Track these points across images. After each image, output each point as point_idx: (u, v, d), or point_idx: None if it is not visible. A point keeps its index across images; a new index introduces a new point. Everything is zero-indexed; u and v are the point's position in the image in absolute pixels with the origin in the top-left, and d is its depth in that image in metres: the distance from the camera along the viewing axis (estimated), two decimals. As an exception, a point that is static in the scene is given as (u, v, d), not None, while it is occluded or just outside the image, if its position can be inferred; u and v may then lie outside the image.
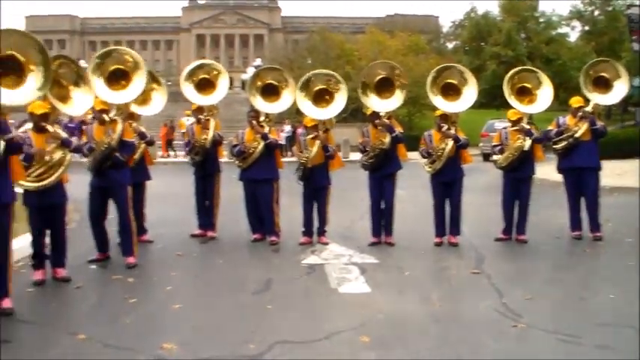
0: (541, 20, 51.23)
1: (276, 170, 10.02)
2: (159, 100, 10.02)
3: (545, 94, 9.66)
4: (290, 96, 9.79)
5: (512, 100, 9.62)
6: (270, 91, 9.88)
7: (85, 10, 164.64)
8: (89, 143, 8.35)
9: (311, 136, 9.65)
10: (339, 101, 9.53)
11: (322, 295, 7.38)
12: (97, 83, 8.32)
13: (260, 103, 9.88)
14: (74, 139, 7.96)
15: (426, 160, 9.78)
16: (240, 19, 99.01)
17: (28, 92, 6.46)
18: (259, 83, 9.96)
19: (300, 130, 28.75)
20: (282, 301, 7.07)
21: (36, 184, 7.46)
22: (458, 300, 7.12)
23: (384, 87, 9.53)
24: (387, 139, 9.47)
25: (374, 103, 9.54)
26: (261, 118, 9.93)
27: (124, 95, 8.47)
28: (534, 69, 10.39)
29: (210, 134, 9.99)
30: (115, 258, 8.86)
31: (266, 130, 9.77)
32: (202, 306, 6.95)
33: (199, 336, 5.99)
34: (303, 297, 7.31)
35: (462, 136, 9.57)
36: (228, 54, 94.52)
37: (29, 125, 7.70)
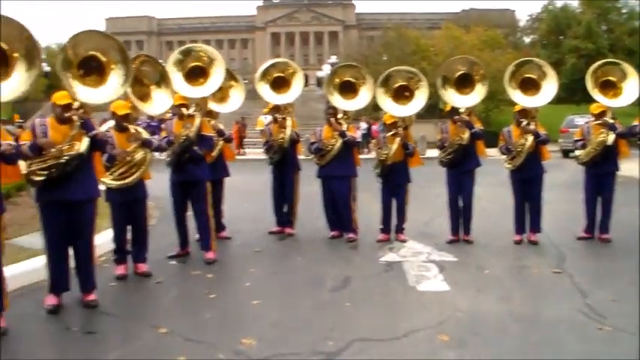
0: (624, 11, 49.74)
1: (354, 167, 9.96)
2: (237, 97, 10.09)
3: (631, 87, 9.31)
4: (368, 93, 9.73)
5: (595, 93, 9.32)
6: (348, 89, 9.84)
7: (162, 11, 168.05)
8: (168, 137, 8.46)
9: (391, 133, 9.56)
10: (420, 98, 9.40)
11: (400, 292, 7.31)
12: (176, 78, 8.45)
13: (338, 101, 9.85)
14: (155, 139, 8.07)
15: (505, 156, 9.59)
16: (314, 17, 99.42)
17: (110, 90, 6.68)
18: (337, 80, 9.93)
19: (375, 127, 28.88)
20: (360, 298, 7.05)
21: (118, 183, 7.62)
22: (539, 299, 6.95)
23: (464, 83, 9.37)
24: (466, 135, 9.33)
25: (453, 98, 9.40)
26: (339, 116, 9.89)
27: (202, 90, 8.59)
28: (618, 61, 10.06)
29: (288, 133, 9.98)
30: (194, 254, 8.99)
31: (344, 127, 9.74)
32: (281, 302, 6.98)
33: (278, 332, 6.02)
34: (381, 295, 7.26)
35: (542, 131, 9.36)
36: (303, 52, 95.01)
37: (111, 123, 7.87)
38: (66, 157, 6.39)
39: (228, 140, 10.08)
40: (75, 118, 6.45)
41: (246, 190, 14.22)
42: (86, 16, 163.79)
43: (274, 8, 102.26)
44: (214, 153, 9.53)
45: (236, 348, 5.57)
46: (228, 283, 7.88)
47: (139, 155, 7.70)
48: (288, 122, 10.08)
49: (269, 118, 10.61)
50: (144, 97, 8.14)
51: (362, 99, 9.83)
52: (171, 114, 9.02)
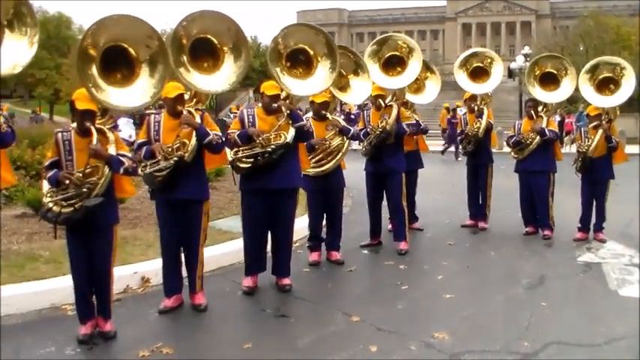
0: None
1: (554, 162, 9.57)
2: (432, 88, 10.00)
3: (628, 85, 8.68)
4: (570, 84, 9.30)
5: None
6: (549, 80, 9.46)
7: (353, 3, 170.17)
8: (365, 128, 8.51)
9: (593, 124, 9.09)
10: (626, 89, 8.88)
11: (600, 296, 6.96)
12: (373, 69, 8.47)
13: (539, 93, 9.50)
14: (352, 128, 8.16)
15: None
16: (506, 6, 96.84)
17: (317, 83, 6.83)
18: (538, 72, 9.58)
19: (568, 120, 27.74)
20: (556, 298, 6.78)
21: (315, 170, 7.79)
22: None
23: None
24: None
25: None
26: (539, 108, 9.54)
27: (399, 81, 8.55)
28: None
29: (484, 123, 9.78)
30: (386, 244, 9.02)
31: (544, 120, 9.38)
32: (474, 297, 6.85)
33: (470, 327, 5.92)
34: (579, 296, 6.96)
35: None
36: (495, 42, 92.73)
37: (309, 114, 8.04)
38: (272, 146, 6.57)
39: (424, 132, 10.00)
40: (283, 108, 6.62)
41: (438, 182, 14.07)
42: (278, 9, 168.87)
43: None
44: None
45: (428, 341, 5.53)
46: (420, 274, 7.84)
47: (336, 142, 7.84)
48: (485, 112, 9.87)
49: (463, 109, 10.42)
50: (343, 87, 8.27)
51: (564, 91, 9.41)
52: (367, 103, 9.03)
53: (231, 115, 32.52)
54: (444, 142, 25.77)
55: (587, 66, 9.16)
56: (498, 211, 10.39)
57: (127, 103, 5.58)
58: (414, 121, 9.21)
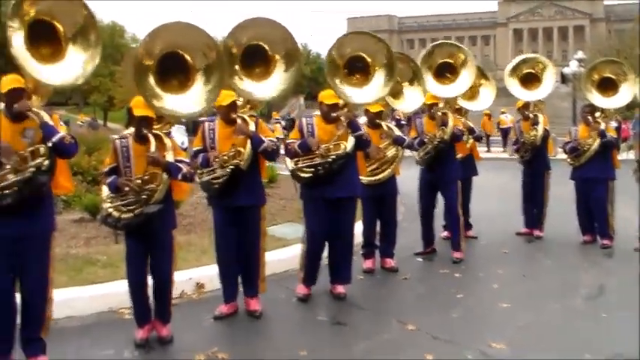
0: None
1: (612, 169, 9.38)
2: (487, 95, 9.87)
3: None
4: (630, 90, 9.10)
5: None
6: (607, 85, 9.29)
7: (403, 10, 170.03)
8: (420, 137, 8.46)
9: (652, 130, 8.90)
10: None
11: (663, 307, 6.78)
12: (426, 77, 8.43)
13: (597, 98, 9.32)
14: (405, 137, 8.13)
15: None
16: (558, 11, 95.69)
17: (374, 92, 6.81)
18: (595, 77, 9.41)
19: (625, 126, 27.17)
20: (618, 310, 6.61)
21: (370, 179, 7.79)
22: None
23: None
24: None
25: None
26: (597, 114, 9.37)
27: (452, 89, 8.51)
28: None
29: (540, 130, 9.63)
30: (440, 252, 8.95)
31: (602, 126, 9.19)
32: (530, 307, 6.74)
33: (528, 338, 5.84)
34: (641, 308, 6.77)
35: None
36: (547, 47, 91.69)
37: (363, 119, 8.02)
38: (332, 157, 6.58)
39: (478, 139, 9.90)
40: (342, 118, 6.62)
41: (493, 189, 13.92)
42: (329, 17, 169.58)
43: (516, 3, 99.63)
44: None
45: (485, 350, 5.47)
46: (475, 283, 7.78)
47: (391, 152, 7.84)
48: (540, 119, 9.73)
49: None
50: (396, 94, 8.24)
51: (623, 96, 9.23)
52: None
53: (274, 121, 32.58)
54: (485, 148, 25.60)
55: None
56: (554, 219, 10.20)
57: (183, 109, 5.62)
58: (469, 128, 9.15)
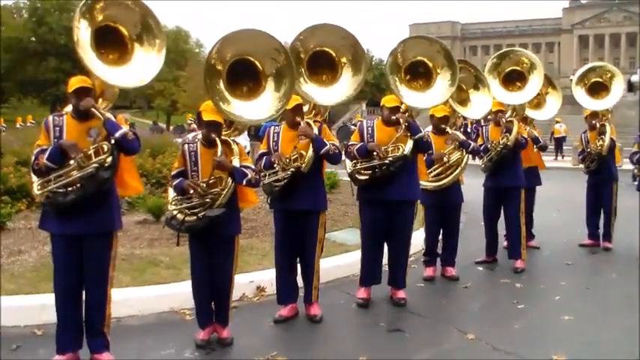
0: None
1: (682, 181, 9.16)
2: (553, 104, 9.70)
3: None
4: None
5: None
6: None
7: (466, 16, 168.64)
8: (485, 144, 8.42)
9: None
10: None
11: None
12: (493, 84, 8.40)
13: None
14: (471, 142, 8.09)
15: None
16: (626, 17, 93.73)
17: (437, 95, 6.84)
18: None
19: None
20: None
21: (433, 184, 7.77)
22: None
23: None
24: None
25: None
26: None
27: (520, 96, 8.46)
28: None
29: (607, 141, 9.46)
30: (501, 261, 8.86)
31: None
32: (593, 320, 6.62)
33: (592, 352, 5.72)
34: None
35: None
36: (614, 54, 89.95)
37: (429, 128, 8.01)
38: (390, 159, 6.56)
39: (543, 149, 9.78)
40: (402, 120, 6.62)
41: (557, 199, 13.72)
42: (392, 23, 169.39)
43: (581, 9, 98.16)
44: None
45: (547, 363, 5.37)
46: (537, 294, 7.65)
47: (456, 156, 7.80)
48: (607, 129, 9.55)
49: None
50: (463, 102, 8.22)
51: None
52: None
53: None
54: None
55: None
56: (619, 230, 9.99)
57: (253, 115, 5.69)
58: (534, 137, 9.06)
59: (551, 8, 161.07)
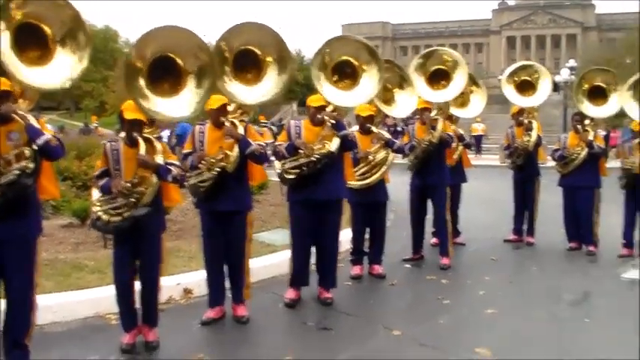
0: None
1: (599, 178, 9.46)
2: (477, 103, 9.90)
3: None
4: (620, 99, 9.11)
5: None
6: (598, 94, 9.33)
7: (397, 17, 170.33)
8: (410, 142, 8.50)
9: (637, 140, 8.96)
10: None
11: (645, 314, 6.85)
12: (419, 83, 8.46)
13: (587, 107, 9.37)
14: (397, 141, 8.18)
15: None
16: (551, 19, 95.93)
17: (360, 95, 6.86)
18: (586, 86, 9.47)
19: (613, 135, 27.28)
20: (600, 316, 6.74)
21: (359, 183, 7.81)
22: None
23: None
24: None
25: None
26: (586, 122, 9.41)
27: (445, 94, 8.53)
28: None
29: (534, 136, 9.70)
30: (428, 258, 8.99)
31: (591, 135, 9.25)
32: (516, 313, 6.78)
33: (513, 344, 5.88)
34: (624, 314, 6.78)
35: None
36: (539, 55, 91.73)
37: (355, 127, 8.06)
38: (316, 156, 6.61)
39: (467, 146, 9.95)
40: (327, 118, 6.65)
41: (481, 197, 13.99)
42: (323, 22, 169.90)
43: (510, 11, 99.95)
44: (455, 156, 9.54)
45: (470, 356, 5.51)
46: (462, 289, 7.80)
47: (381, 155, 7.86)
48: (534, 125, 9.78)
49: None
50: (388, 101, 8.30)
51: (612, 105, 9.25)
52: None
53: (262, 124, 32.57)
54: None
55: (628, 84, 8.99)
56: (542, 225, 10.27)
57: (173, 112, 5.61)
58: (459, 135, 9.22)
59: (481, 10, 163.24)
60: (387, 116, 9.54)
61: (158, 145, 5.59)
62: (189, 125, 6.65)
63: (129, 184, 5.37)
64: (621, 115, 9.12)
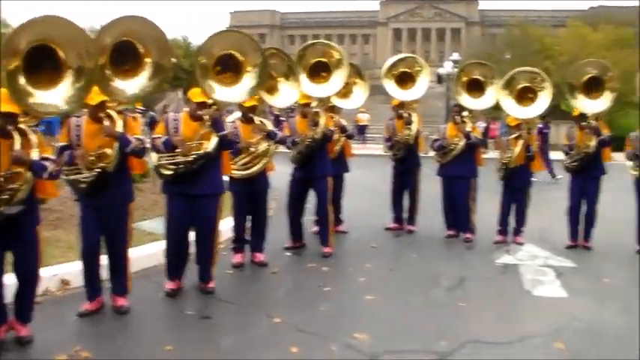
0: None
1: (475, 168, 9.78)
2: (360, 94, 10.03)
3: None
4: (495, 92, 9.45)
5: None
6: (476, 87, 9.66)
7: (286, 5, 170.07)
8: (292, 137, 8.52)
9: (514, 135, 9.34)
10: (543, 100, 9.06)
11: (515, 296, 7.22)
12: (300, 77, 8.49)
13: (465, 99, 9.69)
14: (279, 132, 8.21)
15: (631, 162, 9.06)
16: (437, 13, 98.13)
17: (242, 92, 6.76)
18: (465, 78, 9.78)
19: (493, 126, 28.36)
20: (475, 299, 7.01)
21: (241, 173, 7.82)
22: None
23: (593, 86, 8.93)
24: (593, 143, 8.96)
25: (582, 104, 9.00)
26: (464, 114, 9.72)
27: (325, 89, 8.61)
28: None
29: (414, 130, 9.91)
30: (309, 246, 9.10)
31: (469, 126, 9.58)
32: (395, 299, 6.97)
33: (391, 328, 6.03)
34: (496, 297, 7.17)
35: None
36: (425, 48, 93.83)
37: (237, 114, 8.02)
38: (194, 156, 6.55)
39: (350, 137, 10.10)
40: (206, 117, 6.58)
41: (363, 186, 14.24)
42: (211, 10, 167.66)
43: (396, 4, 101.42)
44: (337, 147, 9.65)
45: (348, 342, 5.61)
46: (342, 277, 7.94)
47: (263, 146, 7.88)
48: (414, 118, 9.98)
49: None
50: (271, 89, 8.31)
51: (489, 98, 9.61)
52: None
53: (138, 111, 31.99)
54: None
55: (502, 82, 9.32)
56: (421, 214, 10.58)
57: (51, 106, 5.32)
58: (341, 126, 9.37)
59: (370, 2, 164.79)
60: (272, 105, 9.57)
61: (34, 138, 5.32)
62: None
63: (1, 179, 5.10)
64: (500, 107, 9.43)
